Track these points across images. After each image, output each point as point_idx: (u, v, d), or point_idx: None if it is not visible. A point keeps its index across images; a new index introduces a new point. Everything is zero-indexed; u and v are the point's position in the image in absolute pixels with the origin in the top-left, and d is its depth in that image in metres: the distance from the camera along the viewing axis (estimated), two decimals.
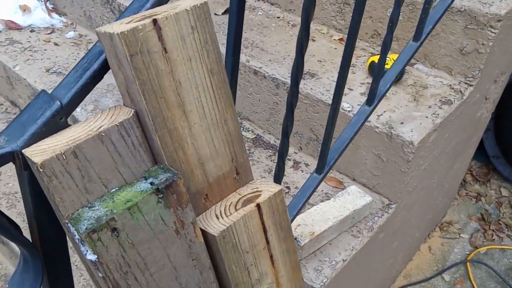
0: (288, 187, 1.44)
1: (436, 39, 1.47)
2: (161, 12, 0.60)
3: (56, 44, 1.98)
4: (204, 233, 0.66)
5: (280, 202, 0.72)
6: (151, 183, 0.60)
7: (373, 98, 1.13)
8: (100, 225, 0.55)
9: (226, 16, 1.72)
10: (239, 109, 1.63)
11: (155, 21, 0.58)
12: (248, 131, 1.61)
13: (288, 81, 1.45)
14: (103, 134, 0.58)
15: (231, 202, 0.70)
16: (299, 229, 1.28)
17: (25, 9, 2.01)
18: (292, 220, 1.11)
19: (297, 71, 0.86)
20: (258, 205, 0.69)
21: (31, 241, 0.67)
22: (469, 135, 1.71)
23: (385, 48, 1.06)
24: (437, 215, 1.96)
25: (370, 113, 1.14)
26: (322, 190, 1.44)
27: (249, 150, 1.53)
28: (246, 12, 1.76)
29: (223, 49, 1.54)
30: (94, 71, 0.61)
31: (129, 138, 0.61)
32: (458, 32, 1.42)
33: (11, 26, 1.94)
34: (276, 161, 1.51)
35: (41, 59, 1.88)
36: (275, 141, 1.58)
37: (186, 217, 0.62)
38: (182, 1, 0.63)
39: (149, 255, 0.60)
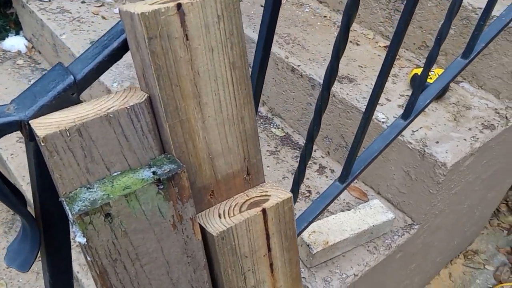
0: (309, 191, 1.40)
1: (487, 58, 1.39)
2: None
3: (103, 17, 2.00)
4: (203, 230, 0.64)
5: (288, 210, 0.68)
6: (154, 172, 0.58)
7: (409, 112, 1.08)
8: (94, 209, 0.53)
9: None
10: (272, 104, 1.59)
11: (179, 6, 0.55)
12: (278, 128, 1.57)
13: None
14: (112, 116, 0.56)
15: (237, 203, 0.67)
16: (314, 236, 1.24)
17: None
18: (307, 226, 1.08)
19: (331, 75, 0.82)
20: (263, 210, 0.66)
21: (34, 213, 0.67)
22: (510, 163, 1.62)
23: (430, 62, 1.00)
24: (463, 242, 1.87)
25: (405, 128, 1.09)
26: (343, 200, 1.40)
27: (275, 148, 1.50)
28: (293, 8, 1.72)
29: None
30: (113, 50, 0.59)
31: (139, 123, 0.59)
32: None
33: None
34: None
35: (87, 31, 1.90)
36: (304, 142, 1.53)
37: (185, 212, 0.60)
38: None
39: (142, 245, 0.58)
